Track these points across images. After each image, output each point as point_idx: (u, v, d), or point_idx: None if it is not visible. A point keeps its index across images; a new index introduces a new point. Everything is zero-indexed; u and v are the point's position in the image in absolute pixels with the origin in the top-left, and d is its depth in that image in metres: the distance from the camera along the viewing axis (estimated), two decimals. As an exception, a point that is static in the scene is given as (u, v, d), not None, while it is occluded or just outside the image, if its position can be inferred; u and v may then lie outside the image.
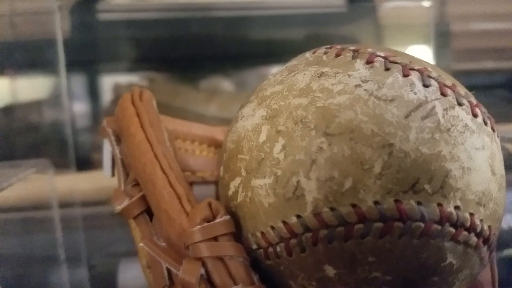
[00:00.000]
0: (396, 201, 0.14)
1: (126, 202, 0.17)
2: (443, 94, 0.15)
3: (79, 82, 0.42)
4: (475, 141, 0.15)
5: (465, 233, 0.15)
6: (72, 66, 0.39)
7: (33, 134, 0.37)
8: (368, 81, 0.15)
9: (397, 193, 0.14)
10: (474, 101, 0.16)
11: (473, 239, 0.15)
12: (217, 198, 0.18)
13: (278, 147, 0.15)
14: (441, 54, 0.46)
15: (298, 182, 0.14)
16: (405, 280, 0.15)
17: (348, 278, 0.15)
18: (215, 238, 0.15)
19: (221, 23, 0.43)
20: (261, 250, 0.16)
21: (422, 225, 0.14)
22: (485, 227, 0.15)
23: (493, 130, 0.16)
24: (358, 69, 0.15)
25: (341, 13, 0.44)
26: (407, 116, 0.14)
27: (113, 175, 0.20)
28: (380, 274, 0.14)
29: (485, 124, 0.16)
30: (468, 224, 0.14)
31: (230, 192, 0.16)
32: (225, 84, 0.46)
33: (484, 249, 0.15)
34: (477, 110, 0.16)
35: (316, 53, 0.17)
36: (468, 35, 0.48)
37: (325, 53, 0.17)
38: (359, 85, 0.15)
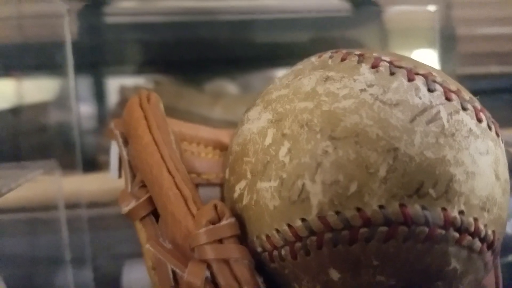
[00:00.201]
0: (401, 205, 0.14)
1: (133, 204, 0.17)
2: (448, 99, 0.15)
3: (86, 84, 0.42)
4: (480, 146, 0.15)
5: (469, 238, 0.15)
6: (80, 68, 0.39)
7: (40, 135, 0.37)
8: (373, 85, 0.15)
9: (402, 197, 0.14)
10: (479, 106, 0.16)
11: (477, 244, 0.15)
12: (222, 200, 0.19)
13: (283, 150, 0.15)
14: (446, 58, 0.46)
15: (303, 185, 0.14)
16: (409, 284, 0.15)
17: (353, 282, 0.15)
18: (220, 241, 0.15)
19: (227, 26, 0.43)
20: (266, 253, 0.16)
21: (427, 229, 0.14)
22: (489, 232, 0.15)
23: (498, 135, 0.16)
24: (364, 73, 0.15)
25: (346, 17, 0.44)
26: (412, 121, 0.14)
27: (120, 176, 0.20)
28: (384, 278, 0.14)
29: (490, 129, 0.16)
30: (472, 229, 0.15)
31: (236, 195, 0.16)
32: (230, 87, 0.46)
33: (488, 254, 0.15)
34: (482, 115, 0.16)
35: (321, 58, 0.17)
36: (474, 39, 0.48)
37: (331, 57, 0.17)
38: (364, 90, 0.15)
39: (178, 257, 0.15)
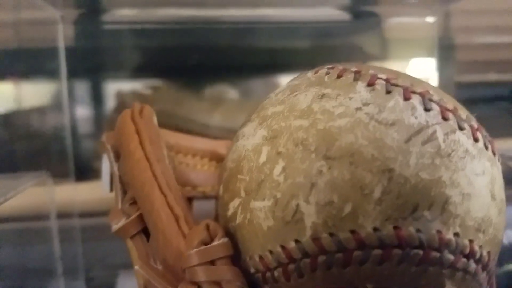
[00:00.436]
0: (395, 227, 0.14)
1: (123, 222, 0.17)
2: (444, 118, 0.15)
3: (82, 89, 0.42)
4: (476, 167, 0.15)
5: (464, 260, 0.14)
6: (76, 73, 0.39)
7: (33, 142, 0.37)
8: (369, 104, 0.15)
9: (396, 219, 0.14)
10: (476, 125, 0.16)
11: (472, 266, 0.15)
12: (217, 214, 0.18)
13: (278, 169, 0.15)
14: (445, 67, 0.46)
15: (297, 205, 0.14)
16: None
17: None
18: (212, 262, 0.15)
19: (226, 33, 0.43)
20: (259, 274, 0.15)
21: (421, 252, 0.14)
22: (484, 253, 0.15)
23: (494, 154, 0.16)
24: (359, 91, 0.15)
25: (346, 27, 0.44)
26: (407, 141, 0.14)
27: (111, 191, 0.20)
28: None
29: (486, 148, 0.16)
30: (467, 251, 0.14)
31: (229, 213, 0.16)
32: (230, 93, 0.46)
33: (483, 275, 0.15)
34: (478, 134, 0.15)
35: (318, 73, 0.17)
36: (472, 48, 0.48)
37: (327, 73, 0.17)
38: (360, 108, 0.15)
39: (168, 279, 0.15)
